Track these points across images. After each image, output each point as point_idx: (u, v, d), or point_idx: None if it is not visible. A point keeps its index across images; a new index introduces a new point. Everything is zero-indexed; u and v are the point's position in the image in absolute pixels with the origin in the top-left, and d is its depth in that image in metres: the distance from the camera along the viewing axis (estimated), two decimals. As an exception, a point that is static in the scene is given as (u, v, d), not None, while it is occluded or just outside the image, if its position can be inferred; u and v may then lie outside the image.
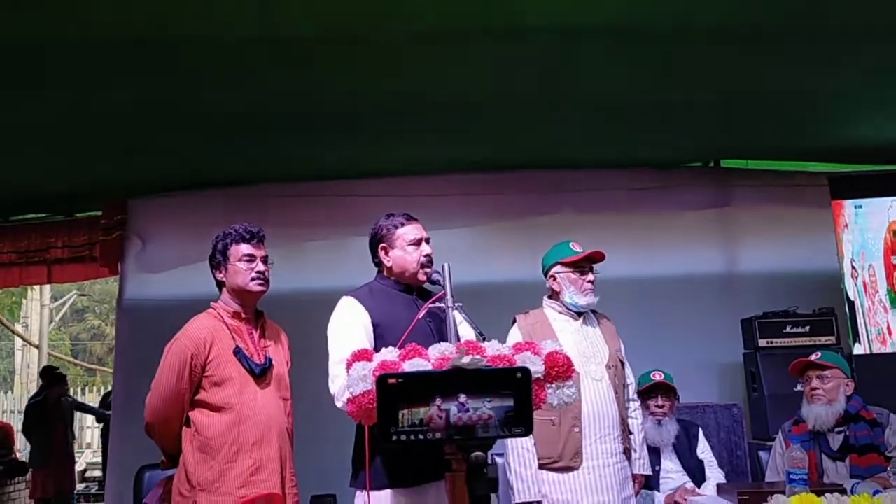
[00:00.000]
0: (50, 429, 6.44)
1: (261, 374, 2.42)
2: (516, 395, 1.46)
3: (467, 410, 1.44)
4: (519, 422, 1.46)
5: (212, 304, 2.52)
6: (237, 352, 2.41)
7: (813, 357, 3.01)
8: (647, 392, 3.35)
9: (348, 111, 3.66)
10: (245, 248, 2.47)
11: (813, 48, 3.17)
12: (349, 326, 2.30)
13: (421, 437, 1.43)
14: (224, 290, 2.52)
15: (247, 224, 2.52)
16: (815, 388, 2.92)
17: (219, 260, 2.50)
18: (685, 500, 3.12)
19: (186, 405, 2.38)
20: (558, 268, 2.85)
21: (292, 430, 2.54)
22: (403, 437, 1.43)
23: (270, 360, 2.48)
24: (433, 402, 1.43)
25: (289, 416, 2.53)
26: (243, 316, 2.50)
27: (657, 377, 3.38)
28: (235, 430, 2.34)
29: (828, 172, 4.65)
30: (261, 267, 2.48)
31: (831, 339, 4.24)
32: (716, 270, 4.88)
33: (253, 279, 2.45)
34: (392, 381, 1.44)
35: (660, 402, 3.34)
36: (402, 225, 2.42)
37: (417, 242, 2.40)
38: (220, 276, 2.51)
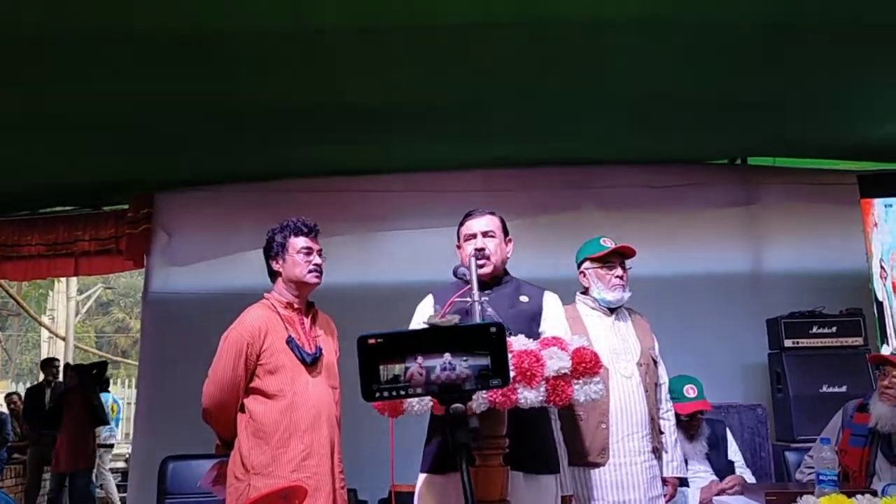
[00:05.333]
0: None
1: (312, 362, 2.50)
2: (492, 351, 1.48)
3: (449, 369, 1.47)
4: (496, 374, 1.49)
5: (265, 294, 2.61)
6: (290, 341, 2.49)
7: None
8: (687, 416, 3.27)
9: (372, 106, 3.66)
10: (303, 241, 2.56)
11: (842, 46, 3.12)
12: (414, 321, 2.43)
13: (403, 392, 1.46)
14: (279, 280, 2.60)
15: (303, 218, 2.60)
16: (889, 387, 2.75)
17: (277, 251, 2.58)
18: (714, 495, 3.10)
19: (242, 392, 2.47)
20: (587, 263, 2.88)
21: (340, 418, 2.60)
22: (385, 394, 1.46)
23: (321, 350, 2.55)
24: (413, 360, 1.46)
25: (337, 404, 2.60)
26: (296, 306, 2.57)
27: (691, 393, 3.28)
28: (288, 416, 2.42)
29: (857, 171, 4.57)
30: (317, 259, 2.57)
31: (859, 340, 4.18)
32: (741, 269, 4.81)
33: (310, 271, 2.54)
34: (372, 340, 1.48)
35: (695, 422, 3.31)
36: (462, 223, 2.54)
37: (470, 237, 2.49)
38: (276, 266, 2.59)
